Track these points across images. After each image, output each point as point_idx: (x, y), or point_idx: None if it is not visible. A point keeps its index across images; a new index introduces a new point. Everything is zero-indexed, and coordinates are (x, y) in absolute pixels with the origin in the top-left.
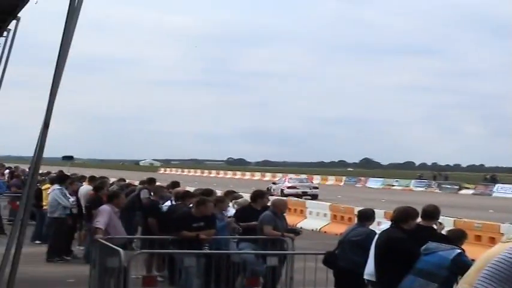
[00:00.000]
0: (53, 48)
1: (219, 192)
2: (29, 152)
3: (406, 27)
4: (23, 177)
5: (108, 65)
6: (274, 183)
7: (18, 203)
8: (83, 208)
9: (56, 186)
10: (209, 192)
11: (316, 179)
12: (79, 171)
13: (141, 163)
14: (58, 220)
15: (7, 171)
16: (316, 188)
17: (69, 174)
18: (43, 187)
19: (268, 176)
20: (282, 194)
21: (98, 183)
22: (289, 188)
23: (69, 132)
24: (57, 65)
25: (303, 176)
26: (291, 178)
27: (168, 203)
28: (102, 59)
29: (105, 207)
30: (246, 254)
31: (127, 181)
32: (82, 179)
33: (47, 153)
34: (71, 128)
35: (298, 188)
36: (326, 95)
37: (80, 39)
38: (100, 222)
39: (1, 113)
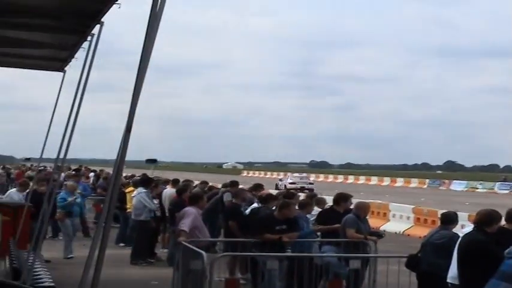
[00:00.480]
0: (136, 52)
1: (301, 196)
2: (114, 155)
3: (490, 28)
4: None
5: (193, 68)
6: (280, 179)
7: (102, 205)
8: (166, 211)
9: (142, 189)
10: (291, 195)
11: (400, 182)
12: (162, 174)
13: (224, 166)
14: (143, 223)
15: (92, 174)
16: (312, 183)
17: (152, 177)
18: (127, 190)
19: (351, 179)
20: (285, 188)
21: (181, 186)
22: (290, 183)
23: (154, 135)
24: (139, 68)
25: (304, 174)
26: (293, 176)
27: (256, 205)
28: (187, 62)
29: (191, 209)
30: (329, 257)
31: (209, 184)
32: (166, 182)
33: (131, 156)
34: (156, 131)
35: (297, 184)
36: (411, 98)
37: (163, 42)
38: (185, 224)
39: (86, 117)
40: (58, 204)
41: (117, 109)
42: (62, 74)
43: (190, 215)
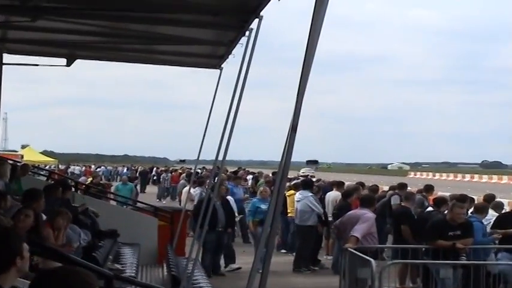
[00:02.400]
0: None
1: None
2: (272, 156)
3: None
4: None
5: (349, 63)
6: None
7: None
8: (330, 215)
9: (307, 193)
10: (464, 198)
11: None
12: (324, 176)
13: (389, 167)
14: (309, 228)
15: (250, 176)
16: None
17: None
18: (287, 193)
19: None
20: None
21: (348, 189)
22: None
23: (313, 134)
24: (304, 64)
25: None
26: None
27: (430, 208)
28: (345, 56)
29: (370, 215)
30: (504, 265)
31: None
32: (333, 185)
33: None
34: (315, 131)
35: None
36: None
37: (322, 36)
38: (359, 230)
39: (245, 116)
40: (248, 211)
41: (275, 107)
42: (218, 71)
43: (367, 221)
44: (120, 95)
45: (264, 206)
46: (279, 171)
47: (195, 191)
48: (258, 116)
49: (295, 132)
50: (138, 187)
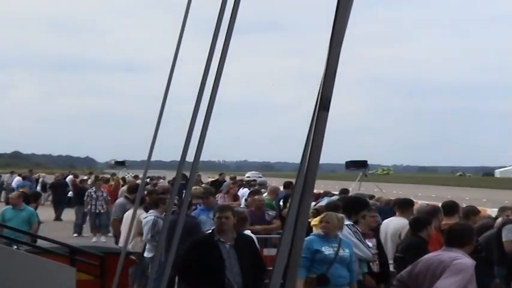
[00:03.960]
0: None
1: None
2: (282, 155)
3: None
4: None
5: None
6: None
7: None
8: (391, 261)
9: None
10: None
11: None
12: (375, 189)
13: (497, 173)
14: None
15: (244, 191)
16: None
17: None
18: (312, 222)
19: None
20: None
21: (422, 214)
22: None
23: (359, 118)
24: None
25: None
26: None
27: None
28: None
29: (465, 262)
30: None
31: None
32: (394, 205)
33: None
34: (360, 110)
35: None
36: None
37: None
38: None
39: (231, 85)
40: None
41: (288, 66)
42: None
43: (460, 272)
44: None
45: None
46: (299, 179)
47: (146, 218)
48: (256, 86)
49: (327, 111)
50: (43, 211)
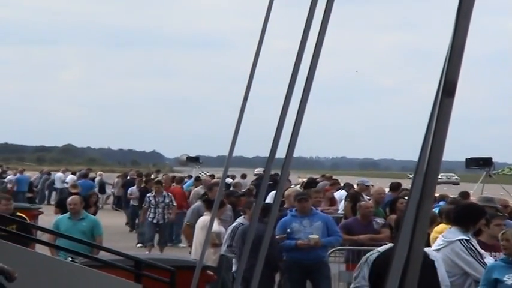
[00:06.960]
0: None
1: None
2: (392, 151)
3: None
4: None
5: None
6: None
7: None
8: None
9: (457, 234)
10: None
11: None
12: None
13: None
14: None
15: (340, 193)
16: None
17: None
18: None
19: None
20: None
21: None
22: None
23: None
24: None
25: None
26: None
27: None
28: None
29: None
30: None
31: None
32: None
33: None
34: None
35: None
36: None
37: None
38: None
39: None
40: None
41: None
42: None
43: None
44: None
45: None
46: (417, 180)
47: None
48: (354, 65)
49: (453, 98)
50: (102, 217)
